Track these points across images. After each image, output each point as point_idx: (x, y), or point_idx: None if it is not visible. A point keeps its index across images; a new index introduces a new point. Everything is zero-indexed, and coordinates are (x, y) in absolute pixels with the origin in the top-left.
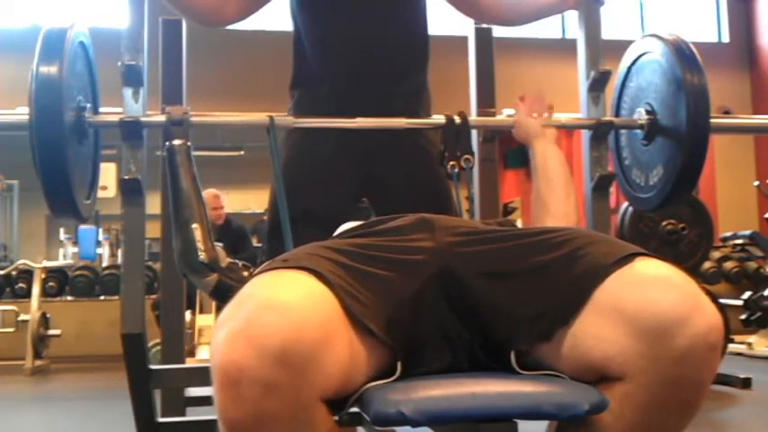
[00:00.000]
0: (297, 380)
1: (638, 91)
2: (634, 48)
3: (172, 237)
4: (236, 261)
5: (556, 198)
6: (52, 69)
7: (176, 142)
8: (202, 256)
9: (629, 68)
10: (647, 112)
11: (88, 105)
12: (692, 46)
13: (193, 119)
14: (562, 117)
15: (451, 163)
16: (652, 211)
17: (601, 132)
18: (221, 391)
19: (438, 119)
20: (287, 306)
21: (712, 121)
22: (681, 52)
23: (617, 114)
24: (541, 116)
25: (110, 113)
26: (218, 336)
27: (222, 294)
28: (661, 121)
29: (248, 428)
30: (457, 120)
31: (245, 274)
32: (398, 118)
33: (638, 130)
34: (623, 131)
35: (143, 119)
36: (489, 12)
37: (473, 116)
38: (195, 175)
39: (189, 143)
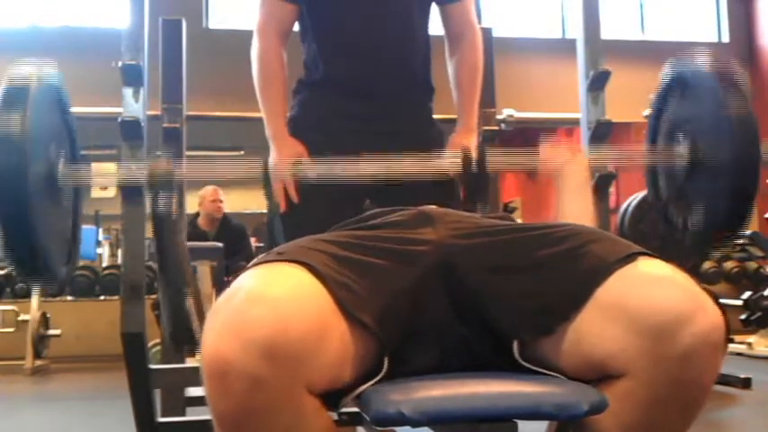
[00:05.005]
0: (284, 373)
1: (675, 119)
2: (669, 71)
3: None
4: None
5: None
6: (13, 124)
7: (162, 208)
8: (197, 328)
9: (666, 93)
10: (688, 145)
11: (62, 159)
12: (734, 70)
13: (178, 173)
14: None
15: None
16: (695, 255)
17: (601, 132)
18: (209, 383)
19: (454, 159)
20: (275, 300)
21: (765, 148)
22: (723, 78)
23: (653, 143)
24: (570, 151)
25: (84, 169)
26: (207, 329)
27: None
28: (704, 155)
29: (237, 420)
30: (474, 167)
31: None
32: (406, 159)
33: (678, 165)
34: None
35: (119, 175)
36: (451, 58)
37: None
38: (184, 240)
39: (175, 202)
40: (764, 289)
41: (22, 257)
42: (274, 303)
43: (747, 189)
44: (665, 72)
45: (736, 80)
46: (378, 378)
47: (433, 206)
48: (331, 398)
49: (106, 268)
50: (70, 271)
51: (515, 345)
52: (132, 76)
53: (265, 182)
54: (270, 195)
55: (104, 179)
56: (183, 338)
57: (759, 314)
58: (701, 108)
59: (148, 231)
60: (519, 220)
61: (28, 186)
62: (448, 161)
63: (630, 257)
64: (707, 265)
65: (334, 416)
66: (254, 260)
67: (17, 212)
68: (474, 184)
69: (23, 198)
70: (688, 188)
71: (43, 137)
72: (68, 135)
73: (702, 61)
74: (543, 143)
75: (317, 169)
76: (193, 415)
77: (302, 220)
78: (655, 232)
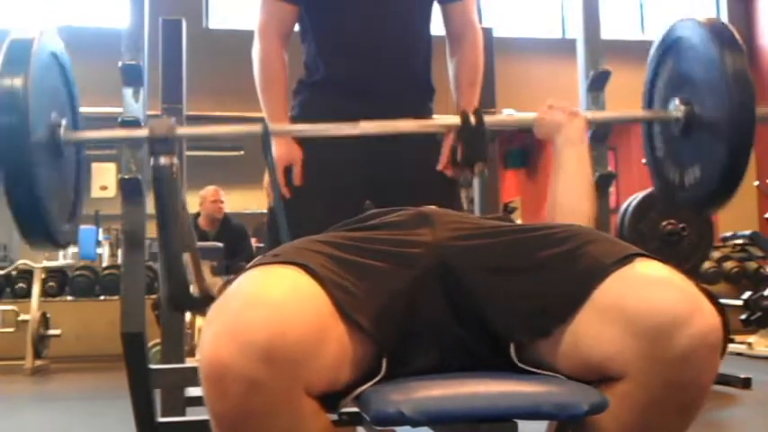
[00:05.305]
0: (282, 376)
1: (671, 79)
2: (666, 33)
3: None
4: (225, 282)
5: (569, 198)
6: (16, 85)
7: (163, 162)
8: (194, 290)
9: (662, 55)
10: (683, 103)
11: (63, 122)
12: (731, 29)
13: (179, 131)
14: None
15: (465, 171)
16: (692, 211)
17: (601, 132)
18: (207, 386)
19: (452, 119)
20: (272, 303)
21: (759, 110)
22: (719, 36)
23: (649, 105)
24: (566, 111)
25: (90, 131)
26: (205, 332)
27: None
28: (699, 113)
29: (234, 422)
30: (472, 120)
31: None
32: (406, 120)
33: (674, 124)
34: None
35: (120, 135)
36: (452, 58)
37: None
38: (184, 196)
39: (176, 161)
40: (764, 289)
41: (23, 212)
42: (271, 306)
43: (743, 142)
44: (660, 33)
45: (731, 35)
46: (376, 380)
47: (433, 207)
48: (329, 400)
49: (106, 268)
50: (72, 229)
51: (512, 347)
52: (132, 76)
53: (265, 144)
54: (270, 157)
55: (105, 136)
56: (182, 301)
57: (759, 314)
58: (696, 65)
59: (148, 231)
60: (519, 221)
61: (30, 143)
62: (445, 120)
63: (628, 259)
64: (707, 265)
65: (334, 416)
66: (252, 262)
67: (19, 168)
68: (472, 140)
69: (25, 154)
70: (684, 146)
71: (45, 95)
72: (69, 96)
73: (697, 21)
74: (541, 108)
75: (316, 130)
76: (193, 415)
77: (302, 220)
78: (654, 233)
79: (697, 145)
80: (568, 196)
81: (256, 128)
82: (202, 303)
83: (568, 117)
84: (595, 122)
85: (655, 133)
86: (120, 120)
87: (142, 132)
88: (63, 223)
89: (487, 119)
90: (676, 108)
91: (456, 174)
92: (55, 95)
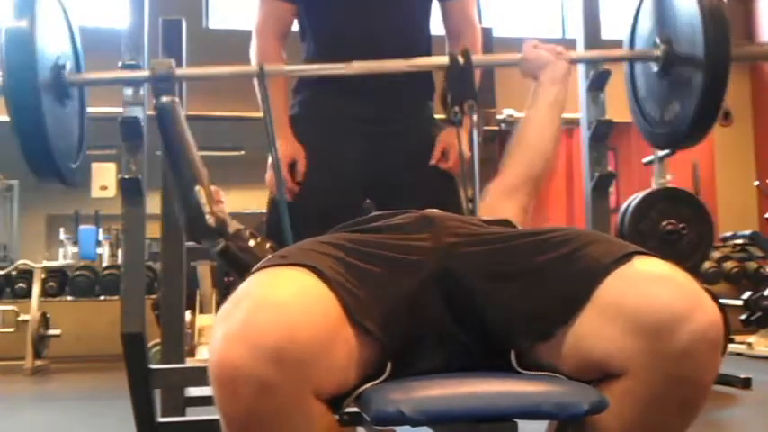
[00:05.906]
0: (291, 378)
1: (653, 20)
2: None
3: (174, 203)
4: (244, 228)
5: (535, 133)
6: (22, 25)
7: (165, 99)
8: (210, 220)
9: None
10: (663, 42)
11: (68, 64)
12: None
13: (179, 72)
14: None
15: (455, 109)
16: (671, 147)
17: (601, 132)
18: (218, 388)
19: (441, 59)
20: (282, 305)
21: (734, 49)
22: None
23: (631, 46)
24: (551, 51)
25: (93, 73)
26: (215, 334)
27: (229, 259)
28: (678, 51)
29: (244, 423)
30: (460, 60)
31: (252, 243)
32: (397, 60)
33: (654, 62)
34: (638, 63)
35: (122, 76)
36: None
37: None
38: (189, 134)
39: (178, 99)
40: (764, 289)
41: (32, 148)
42: (281, 308)
43: (719, 76)
44: None
45: None
46: (380, 380)
47: (436, 210)
48: (334, 401)
49: (106, 268)
50: (78, 169)
51: (512, 354)
52: None
53: (261, 86)
54: (266, 99)
55: (107, 77)
56: (199, 230)
57: (759, 314)
58: (675, 5)
59: (148, 231)
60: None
61: (37, 82)
62: (434, 60)
63: (627, 257)
64: (707, 265)
65: (335, 417)
66: (259, 264)
67: (28, 106)
68: (460, 78)
69: (33, 93)
70: (664, 83)
71: (50, 38)
72: (72, 41)
73: None
74: (526, 44)
75: (310, 69)
76: (193, 415)
77: (301, 219)
78: (654, 233)
79: (676, 82)
80: (535, 131)
81: (253, 68)
82: (218, 232)
83: (554, 56)
84: (582, 61)
85: (637, 73)
86: (119, 120)
87: (144, 73)
88: (69, 162)
89: (475, 57)
90: (656, 47)
91: (447, 115)
92: (59, 39)
